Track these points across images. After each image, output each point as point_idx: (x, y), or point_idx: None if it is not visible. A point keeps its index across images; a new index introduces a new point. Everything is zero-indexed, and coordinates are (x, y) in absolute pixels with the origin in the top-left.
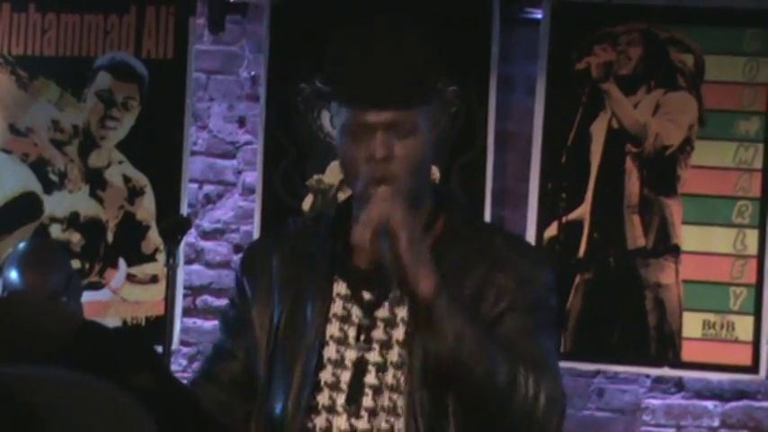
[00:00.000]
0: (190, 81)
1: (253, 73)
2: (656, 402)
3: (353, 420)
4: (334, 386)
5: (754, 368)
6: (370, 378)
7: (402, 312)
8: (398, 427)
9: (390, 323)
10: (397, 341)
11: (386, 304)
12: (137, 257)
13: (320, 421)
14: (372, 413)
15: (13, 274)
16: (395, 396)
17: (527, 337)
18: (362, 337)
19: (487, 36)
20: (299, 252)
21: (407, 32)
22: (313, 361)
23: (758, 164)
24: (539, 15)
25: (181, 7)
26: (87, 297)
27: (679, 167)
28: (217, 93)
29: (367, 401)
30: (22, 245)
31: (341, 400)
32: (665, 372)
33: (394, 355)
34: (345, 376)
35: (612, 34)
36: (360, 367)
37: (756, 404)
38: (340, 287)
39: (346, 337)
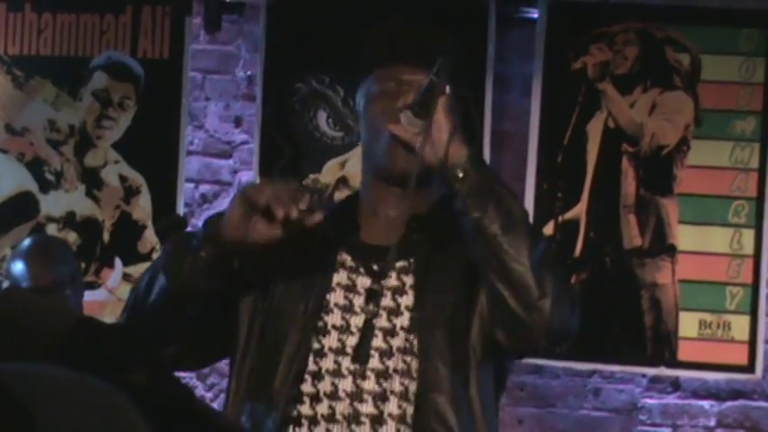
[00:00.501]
0: (186, 81)
1: (249, 73)
2: (653, 402)
3: (359, 381)
4: (340, 351)
5: (750, 368)
6: (378, 342)
7: (410, 280)
8: (412, 389)
9: (399, 291)
10: (407, 307)
11: (393, 273)
12: (133, 257)
13: (324, 386)
14: (381, 375)
15: (19, 266)
16: (408, 358)
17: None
18: (371, 305)
19: (483, 35)
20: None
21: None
22: (309, 328)
23: (754, 163)
24: (535, 15)
25: (177, 7)
26: (83, 296)
27: (675, 167)
28: (213, 92)
29: (373, 363)
30: (26, 240)
31: (346, 363)
32: (662, 371)
33: (404, 320)
34: (351, 341)
35: (608, 34)
36: (366, 332)
37: (753, 404)
38: (344, 258)
39: (352, 305)
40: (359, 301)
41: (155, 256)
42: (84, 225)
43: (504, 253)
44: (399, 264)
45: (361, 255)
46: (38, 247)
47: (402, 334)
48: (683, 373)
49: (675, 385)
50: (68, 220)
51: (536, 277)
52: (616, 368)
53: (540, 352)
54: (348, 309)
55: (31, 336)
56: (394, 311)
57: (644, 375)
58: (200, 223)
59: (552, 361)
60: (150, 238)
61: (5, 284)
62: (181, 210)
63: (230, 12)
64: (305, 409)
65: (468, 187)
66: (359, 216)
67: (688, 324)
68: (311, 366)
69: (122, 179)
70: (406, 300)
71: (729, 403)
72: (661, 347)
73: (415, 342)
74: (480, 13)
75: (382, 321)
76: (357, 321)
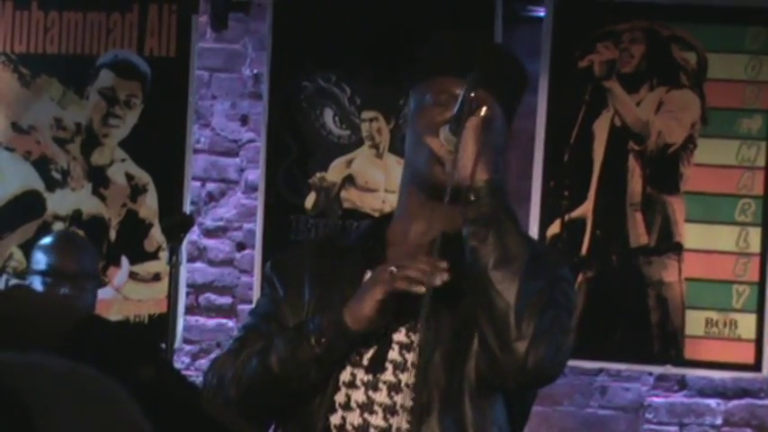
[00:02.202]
0: (192, 79)
1: (255, 71)
2: (659, 400)
3: (371, 393)
4: (356, 363)
5: (756, 366)
6: (393, 354)
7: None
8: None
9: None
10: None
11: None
12: (139, 255)
13: (339, 397)
14: (393, 388)
15: (43, 257)
16: (411, 374)
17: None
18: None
19: (490, 34)
20: (330, 249)
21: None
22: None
23: (761, 162)
24: (541, 13)
25: (183, 5)
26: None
27: (682, 165)
28: (219, 91)
29: (386, 376)
30: (52, 233)
31: (360, 374)
32: (668, 370)
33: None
34: (368, 353)
35: (615, 32)
36: (382, 345)
37: (759, 402)
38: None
39: None
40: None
41: (161, 254)
42: (91, 223)
43: (492, 287)
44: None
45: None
46: (65, 239)
47: (418, 349)
48: (689, 372)
49: (682, 384)
50: (75, 219)
51: (517, 317)
52: (622, 366)
53: (512, 389)
54: None
55: (34, 333)
56: (412, 328)
57: (650, 374)
58: (207, 222)
59: None
60: (157, 237)
61: (12, 281)
62: (187, 208)
63: (237, 10)
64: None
65: (475, 214)
66: (390, 234)
67: (694, 322)
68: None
69: (129, 177)
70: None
71: (736, 402)
72: (667, 346)
73: (418, 361)
74: (487, 12)
75: (401, 336)
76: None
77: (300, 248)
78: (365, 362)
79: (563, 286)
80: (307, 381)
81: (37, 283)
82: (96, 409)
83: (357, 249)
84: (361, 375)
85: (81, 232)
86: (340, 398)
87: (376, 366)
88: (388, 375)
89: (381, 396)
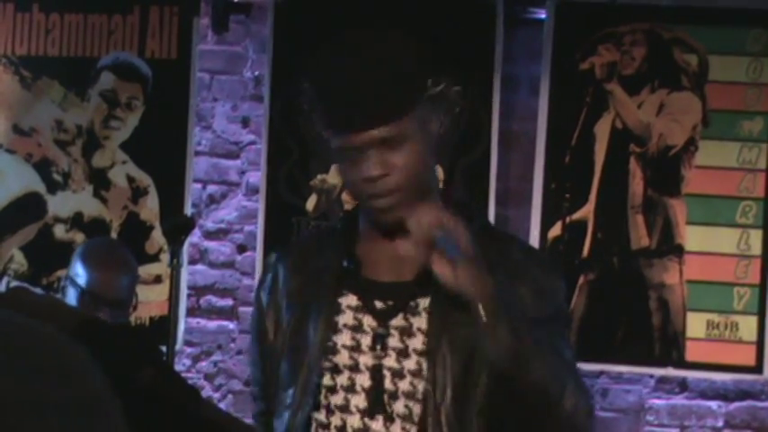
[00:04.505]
0: (193, 81)
1: (257, 73)
2: (660, 402)
3: (367, 420)
4: (350, 389)
5: (757, 368)
6: (387, 383)
7: (418, 322)
8: None
9: (407, 332)
10: (415, 350)
11: (400, 314)
12: (140, 258)
13: (335, 420)
14: (388, 418)
15: (84, 272)
16: (410, 403)
17: (555, 350)
18: (378, 346)
19: (491, 36)
20: (303, 266)
21: (382, 43)
22: (314, 371)
23: (762, 164)
24: (542, 15)
25: (184, 7)
26: None
27: (683, 167)
28: (220, 93)
29: (383, 406)
30: (98, 244)
31: (355, 401)
32: (669, 372)
33: (411, 363)
34: (362, 380)
35: (616, 34)
36: (377, 373)
37: (760, 404)
38: (350, 300)
39: (359, 344)
40: (366, 342)
41: (162, 256)
42: (92, 226)
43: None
44: (413, 303)
45: (365, 293)
46: (112, 256)
47: (408, 377)
48: (690, 374)
49: (683, 386)
50: (76, 221)
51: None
52: (623, 369)
53: None
54: (356, 349)
55: None
56: (402, 353)
57: (651, 376)
58: (208, 224)
59: None
60: (158, 239)
61: (13, 284)
62: (188, 210)
63: (238, 12)
64: None
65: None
66: (360, 253)
67: (695, 324)
68: (319, 409)
69: (130, 179)
70: (415, 342)
71: (737, 404)
72: (668, 348)
73: (420, 388)
74: (488, 14)
75: (391, 362)
76: (366, 360)
77: (275, 260)
78: (365, 348)
79: (562, 312)
80: None
81: (71, 296)
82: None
83: (331, 272)
84: (366, 361)
85: (81, 235)
86: (342, 380)
87: (375, 402)
88: (390, 362)
89: (387, 383)
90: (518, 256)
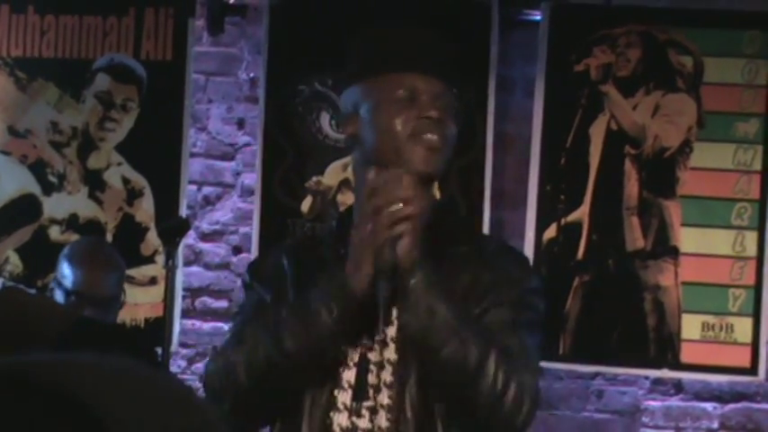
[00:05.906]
0: (189, 83)
1: (252, 75)
2: (655, 404)
3: (354, 419)
4: (336, 384)
5: (752, 370)
6: (372, 377)
7: (395, 312)
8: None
9: (385, 321)
10: (392, 338)
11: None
12: (136, 259)
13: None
14: (373, 411)
15: (70, 272)
16: (393, 393)
17: (508, 331)
18: (364, 338)
19: (486, 37)
20: (307, 257)
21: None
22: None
23: (757, 165)
24: (538, 17)
25: (180, 9)
26: None
27: (678, 169)
28: (216, 94)
29: (368, 400)
30: (80, 243)
31: (342, 397)
32: (664, 373)
33: (390, 352)
34: (348, 375)
35: (611, 36)
36: (362, 366)
37: (755, 406)
38: None
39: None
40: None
41: (157, 258)
42: (87, 227)
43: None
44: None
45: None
46: (94, 254)
47: (388, 368)
48: (685, 376)
49: (678, 387)
50: (71, 223)
51: (485, 377)
52: (619, 370)
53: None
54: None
55: (29, 335)
56: (382, 342)
57: (647, 377)
58: (203, 225)
59: (555, 363)
60: (153, 241)
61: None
62: (184, 212)
63: (233, 14)
64: None
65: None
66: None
67: (691, 326)
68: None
69: (125, 181)
70: (391, 331)
71: (732, 405)
72: (664, 349)
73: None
74: (483, 15)
75: (375, 355)
76: (353, 355)
77: (277, 252)
78: (345, 384)
79: (529, 300)
80: (322, 359)
81: (59, 297)
82: (172, 414)
83: (335, 261)
84: (353, 355)
85: (76, 237)
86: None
87: (360, 392)
88: (375, 355)
89: (372, 377)
90: (492, 250)
